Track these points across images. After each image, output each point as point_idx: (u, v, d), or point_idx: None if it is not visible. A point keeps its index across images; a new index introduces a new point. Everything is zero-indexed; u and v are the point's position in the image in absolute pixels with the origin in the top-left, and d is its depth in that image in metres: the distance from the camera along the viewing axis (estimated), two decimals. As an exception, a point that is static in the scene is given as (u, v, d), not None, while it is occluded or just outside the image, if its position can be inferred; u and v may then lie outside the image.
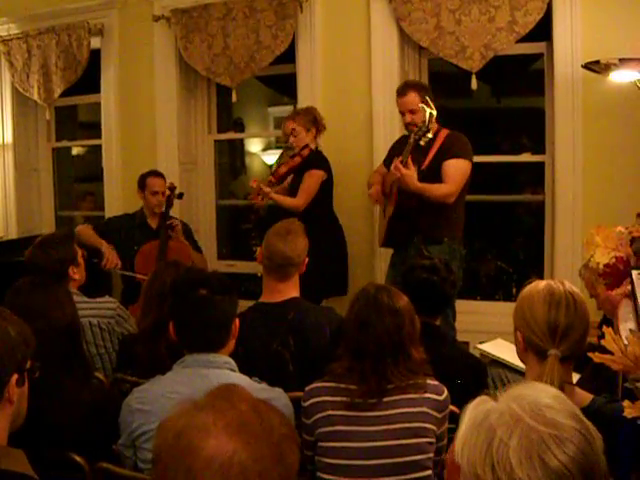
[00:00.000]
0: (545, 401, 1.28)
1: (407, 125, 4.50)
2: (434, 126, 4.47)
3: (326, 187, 4.97)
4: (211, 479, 1.20)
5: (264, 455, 1.25)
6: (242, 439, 1.24)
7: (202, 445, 1.22)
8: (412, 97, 4.43)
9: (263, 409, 1.32)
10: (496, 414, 1.26)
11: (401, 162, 4.24)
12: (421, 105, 4.22)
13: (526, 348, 2.24)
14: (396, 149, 4.65)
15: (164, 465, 1.24)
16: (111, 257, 4.98)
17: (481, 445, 1.24)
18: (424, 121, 4.13)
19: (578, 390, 2.15)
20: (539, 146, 5.21)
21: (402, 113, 4.53)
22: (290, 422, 1.38)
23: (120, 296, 5.22)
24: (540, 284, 2.29)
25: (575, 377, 2.39)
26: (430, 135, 4.16)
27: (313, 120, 5.00)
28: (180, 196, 5.45)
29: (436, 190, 4.34)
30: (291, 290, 3.32)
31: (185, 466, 1.21)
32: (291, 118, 5.01)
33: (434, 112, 4.13)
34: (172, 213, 5.36)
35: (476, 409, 1.32)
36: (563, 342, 2.14)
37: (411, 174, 4.23)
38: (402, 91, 4.52)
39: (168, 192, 5.30)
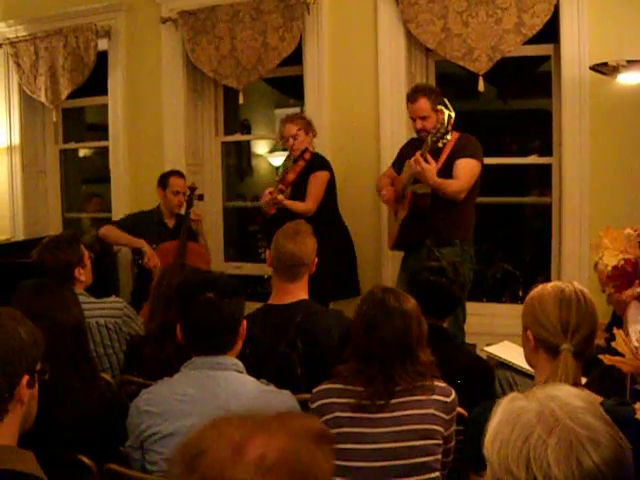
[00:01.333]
0: (580, 404, 1.30)
1: (418, 131, 4.49)
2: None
3: (330, 188, 4.98)
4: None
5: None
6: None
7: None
8: (423, 103, 4.42)
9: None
10: (534, 412, 1.28)
11: (421, 156, 4.24)
12: (440, 107, 4.21)
13: (536, 347, 2.25)
14: (405, 152, 4.66)
15: None
16: (153, 256, 5.05)
17: (516, 440, 1.26)
18: (442, 123, 4.12)
19: (587, 392, 2.15)
20: (546, 148, 5.20)
21: (413, 119, 4.53)
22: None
23: (130, 296, 5.24)
24: (549, 284, 2.32)
25: (582, 380, 2.38)
26: (449, 137, 4.16)
27: (310, 123, 5.03)
28: (200, 197, 5.48)
29: (450, 186, 4.35)
30: (300, 292, 3.32)
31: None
32: (289, 122, 5.00)
33: (452, 114, 4.12)
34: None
35: (510, 405, 1.33)
36: (575, 337, 2.17)
37: (431, 168, 4.23)
38: (412, 97, 4.51)
39: (188, 192, 5.32)
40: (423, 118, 4.41)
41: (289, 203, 4.86)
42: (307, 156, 4.94)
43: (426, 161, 4.23)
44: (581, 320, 2.18)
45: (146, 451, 2.42)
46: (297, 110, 5.54)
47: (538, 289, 2.32)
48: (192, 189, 5.37)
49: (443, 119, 4.12)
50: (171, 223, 5.36)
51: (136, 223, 5.33)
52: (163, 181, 5.31)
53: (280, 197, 4.84)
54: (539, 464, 1.21)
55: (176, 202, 5.29)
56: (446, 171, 4.42)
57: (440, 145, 4.20)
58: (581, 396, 1.34)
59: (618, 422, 1.91)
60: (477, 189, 4.54)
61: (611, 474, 1.22)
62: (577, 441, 1.22)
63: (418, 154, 4.28)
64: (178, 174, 5.36)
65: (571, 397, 1.31)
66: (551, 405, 1.28)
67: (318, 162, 4.96)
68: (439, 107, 4.22)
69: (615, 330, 1.91)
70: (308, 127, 5.00)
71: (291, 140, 4.95)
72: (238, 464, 1.17)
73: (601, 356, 1.95)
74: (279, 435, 1.20)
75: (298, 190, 4.97)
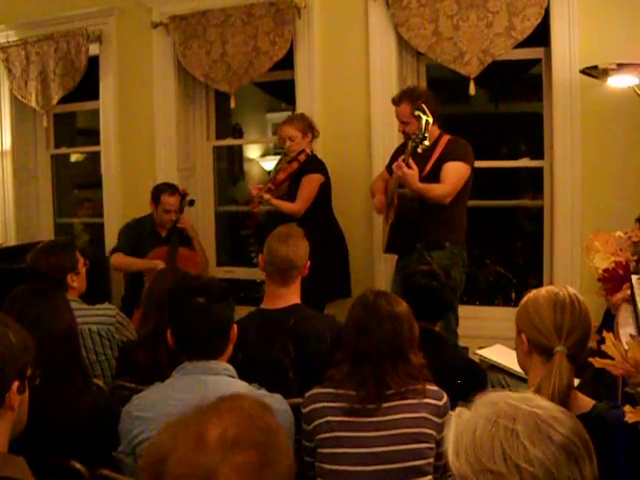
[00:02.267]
0: (523, 395, 1.37)
1: (402, 133, 4.52)
2: (435, 132, 4.48)
3: (324, 191, 4.98)
4: None
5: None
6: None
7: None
8: (403, 108, 4.43)
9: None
10: (489, 410, 1.33)
11: (403, 161, 4.25)
12: (417, 113, 4.22)
13: (530, 350, 2.26)
14: (398, 154, 4.66)
15: None
16: None
17: (482, 440, 1.29)
18: (420, 129, 4.13)
19: (580, 395, 2.16)
20: (537, 151, 5.21)
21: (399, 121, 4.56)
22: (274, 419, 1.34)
23: (120, 302, 5.23)
24: (543, 289, 2.34)
25: (575, 382, 2.39)
26: (427, 143, 4.14)
27: (309, 125, 5.02)
28: (191, 203, 5.46)
29: (433, 190, 4.34)
30: (293, 296, 3.31)
31: None
32: (288, 123, 5.01)
33: (430, 119, 4.12)
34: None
35: (460, 418, 1.38)
36: (568, 339, 2.17)
37: (413, 173, 4.22)
38: (396, 101, 4.53)
39: (179, 201, 5.30)
40: (404, 123, 4.41)
41: (276, 202, 4.89)
42: (302, 158, 4.93)
43: (408, 166, 4.23)
44: (575, 323, 2.19)
45: (138, 457, 2.41)
46: (288, 114, 5.52)
47: (532, 293, 2.33)
48: (183, 195, 5.35)
49: (421, 125, 4.13)
50: (164, 232, 5.34)
51: (133, 234, 5.33)
52: (155, 196, 5.27)
53: (267, 196, 4.86)
54: (516, 451, 1.25)
55: (167, 219, 5.27)
56: (434, 174, 4.42)
57: (419, 151, 4.18)
58: (521, 392, 1.41)
59: (610, 425, 1.92)
60: (468, 192, 4.54)
61: (579, 441, 1.29)
62: (541, 421, 1.28)
63: (400, 159, 4.29)
64: (170, 191, 5.28)
65: (511, 393, 1.38)
66: (503, 398, 1.34)
67: (312, 165, 4.96)
68: (416, 113, 4.22)
69: (605, 333, 1.91)
70: (307, 129, 4.99)
71: (288, 142, 4.95)
72: (203, 452, 1.20)
73: (591, 359, 1.95)
74: (228, 413, 1.26)
75: (291, 191, 4.98)
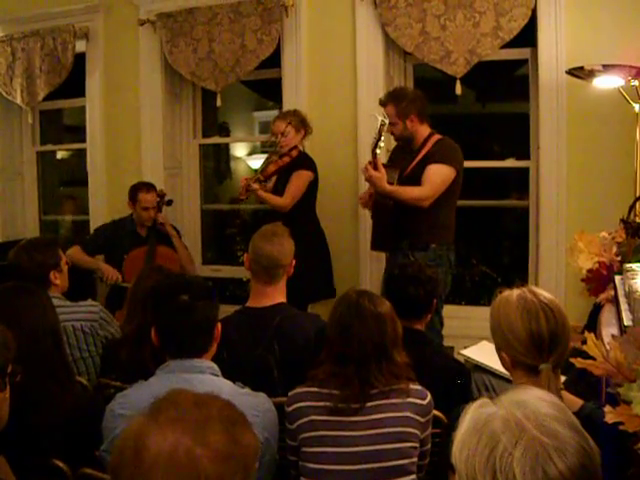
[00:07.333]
0: (547, 411, 1.28)
1: (391, 134, 4.53)
2: (425, 131, 4.48)
3: (312, 189, 4.97)
4: (163, 474, 1.21)
5: (211, 439, 1.25)
6: (183, 427, 1.25)
7: (146, 444, 1.23)
8: (389, 109, 4.44)
9: (203, 400, 1.34)
10: (500, 420, 1.27)
11: (370, 164, 4.25)
12: (372, 114, 4.25)
13: (514, 366, 2.23)
14: (397, 153, 4.67)
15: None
16: (110, 273, 5.15)
17: (482, 450, 1.25)
18: (376, 130, 4.15)
19: (568, 396, 2.16)
20: (524, 151, 5.22)
21: None
22: (234, 407, 1.37)
23: (105, 301, 5.21)
24: (511, 298, 2.27)
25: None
26: (382, 144, 4.18)
27: (303, 121, 5.00)
28: (169, 203, 5.47)
29: (405, 193, 4.33)
30: (278, 295, 3.31)
31: (138, 471, 1.21)
32: (282, 118, 4.99)
33: (386, 121, 4.14)
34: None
35: (477, 411, 1.32)
36: (552, 354, 2.13)
37: (379, 176, 4.22)
38: (382, 102, 4.54)
39: (157, 199, 5.30)
40: (391, 124, 4.39)
41: (264, 195, 4.86)
42: (294, 153, 4.93)
43: (376, 168, 4.23)
44: (554, 332, 2.14)
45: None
46: (275, 113, 5.50)
47: (502, 305, 2.28)
48: (161, 196, 5.38)
49: (376, 126, 4.14)
50: (143, 232, 5.37)
51: (108, 235, 5.38)
52: (132, 195, 5.32)
53: (255, 186, 4.83)
54: (505, 476, 1.21)
55: (146, 217, 5.31)
56: (415, 174, 4.40)
57: (378, 151, 4.20)
58: (549, 401, 1.32)
59: (597, 425, 1.93)
60: (456, 194, 4.50)
61: None
62: (543, 451, 1.21)
63: (367, 162, 4.30)
64: (147, 188, 5.34)
65: (539, 403, 1.30)
66: (517, 413, 1.27)
67: (304, 161, 4.95)
68: (372, 113, 4.26)
69: (586, 333, 1.91)
70: (300, 125, 4.97)
71: (279, 137, 4.92)
72: (179, 428, 1.25)
73: (573, 359, 1.95)
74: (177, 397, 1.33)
75: (279, 186, 4.97)
